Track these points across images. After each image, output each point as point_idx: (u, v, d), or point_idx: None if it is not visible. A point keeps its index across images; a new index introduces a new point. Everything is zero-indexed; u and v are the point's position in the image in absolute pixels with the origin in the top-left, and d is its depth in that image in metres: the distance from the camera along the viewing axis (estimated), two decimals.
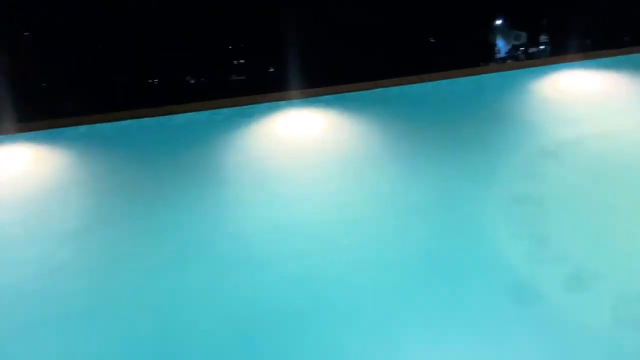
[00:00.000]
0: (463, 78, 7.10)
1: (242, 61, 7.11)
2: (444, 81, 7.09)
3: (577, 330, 3.52)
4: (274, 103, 6.47)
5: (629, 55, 7.23)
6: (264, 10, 6.88)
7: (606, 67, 6.90)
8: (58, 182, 4.85)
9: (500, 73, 7.08)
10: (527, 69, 7.20)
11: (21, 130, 5.83)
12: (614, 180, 4.64)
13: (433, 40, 7.53)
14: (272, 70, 7.10)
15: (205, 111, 6.08)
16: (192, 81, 6.58)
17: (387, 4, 7.29)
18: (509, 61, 7.75)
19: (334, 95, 6.85)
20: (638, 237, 4.11)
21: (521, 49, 9.04)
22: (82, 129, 5.80)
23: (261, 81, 7.00)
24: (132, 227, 4.38)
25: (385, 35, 7.37)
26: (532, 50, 8.48)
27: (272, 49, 7.04)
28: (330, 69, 7.26)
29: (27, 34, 6.29)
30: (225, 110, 6.10)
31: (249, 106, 6.26)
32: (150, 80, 6.48)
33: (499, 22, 9.25)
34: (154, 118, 5.88)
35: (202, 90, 6.62)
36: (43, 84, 6.29)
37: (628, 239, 4.09)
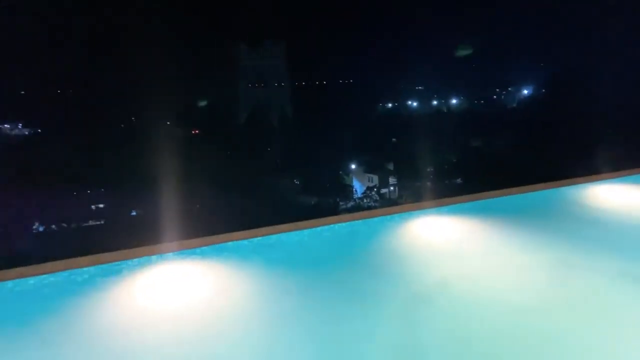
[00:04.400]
0: (336, 225, 7.48)
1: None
2: (318, 228, 7.39)
3: None
4: (144, 258, 6.08)
5: (482, 201, 8.30)
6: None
7: (463, 212, 7.80)
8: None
9: (366, 220, 7.62)
10: (389, 216, 7.87)
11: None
12: (484, 321, 4.89)
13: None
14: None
15: (62, 272, 5.44)
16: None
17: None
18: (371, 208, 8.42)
19: (210, 246, 6.69)
20: None
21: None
22: None
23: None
24: None
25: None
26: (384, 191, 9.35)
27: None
28: (205, 219, 7.22)
29: None
30: (88, 269, 5.52)
31: (117, 263, 5.78)
32: None
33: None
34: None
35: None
36: None
37: None
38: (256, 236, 6.83)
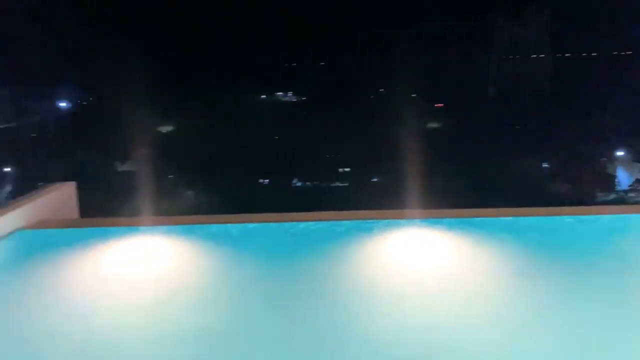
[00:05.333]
0: (603, 216, 6.55)
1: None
2: (580, 217, 6.58)
3: None
4: (393, 220, 6.43)
5: None
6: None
7: None
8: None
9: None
10: None
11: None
12: None
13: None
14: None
15: (327, 221, 6.21)
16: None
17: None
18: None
19: (457, 219, 6.64)
20: None
21: None
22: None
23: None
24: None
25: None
26: None
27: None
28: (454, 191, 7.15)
29: None
30: (345, 222, 6.17)
31: (369, 221, 6.27)
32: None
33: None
34: (279, 224, 6.14)
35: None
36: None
37: None
38: (504, 215, 6.48)
